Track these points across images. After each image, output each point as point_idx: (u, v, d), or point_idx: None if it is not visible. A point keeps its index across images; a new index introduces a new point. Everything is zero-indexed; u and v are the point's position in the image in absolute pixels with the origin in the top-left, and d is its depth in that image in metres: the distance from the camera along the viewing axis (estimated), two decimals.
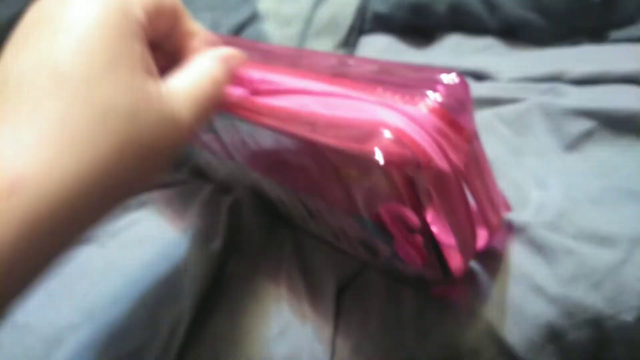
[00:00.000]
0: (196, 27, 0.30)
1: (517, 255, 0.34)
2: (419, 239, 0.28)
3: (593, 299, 0.32)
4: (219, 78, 0.27)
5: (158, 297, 0.37)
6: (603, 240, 0.33)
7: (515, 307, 0.32)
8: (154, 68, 0.24)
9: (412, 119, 0.24)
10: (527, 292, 0.32)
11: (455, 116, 0.25)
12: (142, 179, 0.23)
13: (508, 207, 0.34)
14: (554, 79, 0.47)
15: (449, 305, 0.34)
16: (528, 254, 0.33)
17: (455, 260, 0.30)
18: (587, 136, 0.40)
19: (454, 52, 0.58)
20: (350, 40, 0.63)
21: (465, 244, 0.30)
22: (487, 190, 0.30)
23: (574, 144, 0.41)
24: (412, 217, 0.27)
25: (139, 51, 0.23)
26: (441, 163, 0.25)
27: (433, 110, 0.24)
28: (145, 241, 0.40)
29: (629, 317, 0.31)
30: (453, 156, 0.25)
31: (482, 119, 0.42)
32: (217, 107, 0.28)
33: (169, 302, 0.36)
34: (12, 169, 0.19)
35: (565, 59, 0.50)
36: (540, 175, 0.38)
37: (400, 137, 0.24)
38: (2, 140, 0.20)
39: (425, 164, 0.24)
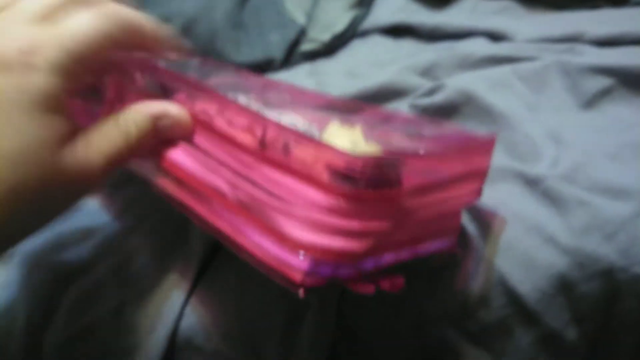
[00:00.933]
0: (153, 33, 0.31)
1: (530, 206, 0.34)
2: None
3: (606, 251, 0.31)
4: (133, 139, 0.28)
5: (166, 243, 0.37)
6: (618, 193, 0.33)
7: (527, 257, 0.32)
8: (68, 129, 0.25)
9: None
10: (540, 243, 0.32)
11: None
12: (37, 218, 0.25)
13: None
14: (572, 39, 0.47)
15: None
16: (541, 206, 0.33)
17: None
18: (605, 94, 0.40)
19: (471, 13, 0.57)
20: (365, 1, 0.62)
21: None
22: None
23: (591, 102, 0.40)
24: None
25: (54, 125, 0.24)
26: None
27: None
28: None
29: None
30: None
31: (498, 74, 0.41)
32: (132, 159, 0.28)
33: (177, 249, 0.36)
34: None
35: (584, 21, 0.50)
36: (555, 130, 0.38)
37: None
38: None
39: None
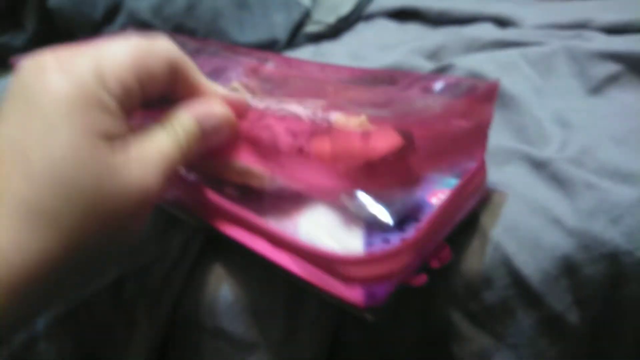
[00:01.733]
0: (204, 85, 0.29)
1: (536, 188, 0.33)
2: None
3: (611, 234, 0.31)
4: (183, 144, 0.27)
5: (168, 217, 0.36)
6: (625, 177, 0.33)
7: (532, 238, 0.32)
8: (122, 135, 0.24)
9: None
10: (545, 224, 0.32)
11: None
12: (111, 244, 0.24)
13: None
14: (580, 26, 0.46)
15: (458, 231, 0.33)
16: (548, 188, 0.33)
17: None
18: (612, 80, 0.40)
19: None
20: None
21: None
22: None
23: (598, 88, 0.40)
24: None
25: (106, 124, 0.24)
26: None
27: None
28: None
29: None
30: None
31: (507, 57, 0.41)
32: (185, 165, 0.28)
33: (178, 222, 0.36)
34: None
35: (592, 8, 0.49)
36: (562, 115, 0.38)
37: None
38: None
39: None
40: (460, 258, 0.33)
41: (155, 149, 0.25)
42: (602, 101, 0.39)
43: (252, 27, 0.59)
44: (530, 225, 0.32)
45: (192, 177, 0.33)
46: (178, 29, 0.60)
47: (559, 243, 0.32)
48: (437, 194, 0.32)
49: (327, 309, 0.34)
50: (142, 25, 0.60)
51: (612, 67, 0.40)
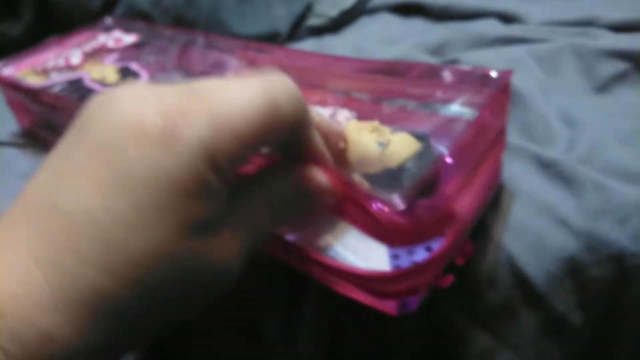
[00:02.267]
0: (318, 152, 0.24)
1: (543, 187, 0.33)
2: None
3: (618, 235, 0.31)
4: (279, 213, 0.23)
5: None
6: (632, 177, 0.32)
7: (537, 238, 0.32)
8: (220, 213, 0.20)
9: None
10: (551, 224, 0.32)
11: None
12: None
13: None
14: (587, 24, 0.46)
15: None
16: (554, 187, 0.33)
17: None
18: (619, 78, 0.39)
19: None
20: None
21: None
22: None
23: (604, 86, 0.39)
24: None
25: (207, 212, 0.19)
26: None
27: None
28: None
29: None
30: None
31: (513, 53, 0.40)
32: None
33: None
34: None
35: (598, 5, 0.49)
36: (569, 113, 0.37)
37: None
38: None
39: None
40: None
41: (250, 224, 0.22)
42: (609, 100, 0.39)
43: (253, 19, 0.58)
44: (535, 225, 0.32)
45: None
46: (178, 20, 0.59)
47: (564, 244, 0.31)
48: None
49: (327, 307, 0.33)
50: (141, 16, 0.59)
51: (618, 66, 0.39)
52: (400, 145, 0.30)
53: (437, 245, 0.28)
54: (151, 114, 0.18)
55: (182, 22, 0.59)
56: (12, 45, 0.59)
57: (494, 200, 0.33)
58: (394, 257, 0.29)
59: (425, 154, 0.29)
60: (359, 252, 0.28)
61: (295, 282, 0.32)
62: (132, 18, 0.59)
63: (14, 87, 0.41)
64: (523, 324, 0.33)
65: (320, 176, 0.24)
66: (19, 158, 0.41)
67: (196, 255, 0.19)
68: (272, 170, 0.24)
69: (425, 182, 0.27)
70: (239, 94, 0.20)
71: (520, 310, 0.32)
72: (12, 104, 0.45)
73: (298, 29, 0.58)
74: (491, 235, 0.32)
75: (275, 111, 0.20)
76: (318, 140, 0.24)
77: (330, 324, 0.33)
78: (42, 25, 0.62)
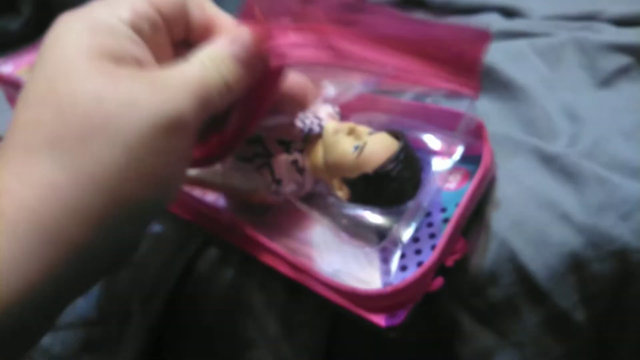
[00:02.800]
0: (218, 18, 0.27)
1: (545, 182, 0.33)
2: None
3: (621, 231, 0.31)
4: (218, 77, 0.24)
5: (166, 213, 0.36)
6: (635, 172, 0.32)
7: (540, 234, 0.31)
8: (143, 62, 0.23)
9: None
10: (553, 220, 0.31)
11: None
12: (148, 190, 0.22)
13: None
14: (590, 18, 0.45)
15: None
16: (557, 182, 0.32)
17: None
18: (622, 73, 0.39)
19: None
20: None
21: None
22: None
23: (607, 80, 0.39)
24: None
25: (114, 46, 0.22)
26: None
27: None
28: None
29: None
30: None
31: (515, 47, 0.40)
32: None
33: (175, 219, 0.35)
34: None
35: (601, 0, 0.48)
36: (571, 108, 0.37)
37: None
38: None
39: None
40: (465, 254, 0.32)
41: (184, 74, 0.23)
42: (612, 94, 0.38)
43: None
44: (537, 221, 0.31)
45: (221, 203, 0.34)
46: None
47: (566, 239, 0.31)
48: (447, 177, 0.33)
49: (325, 309, 0.33)
50: None
51: (621, 60, 0.39)
52: (376, 147, 0.30)
53: (428, 257, 0.28)
54: (70, 14, 0.23)
55: None
56: (11, 39, 0.59)
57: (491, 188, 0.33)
58: (385, 273, 0.30)
59: (402, 153, 0.30)
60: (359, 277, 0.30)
61: (292, 284, 0.31)
62: None
63: (13, 85, 0.41)
64: (526, 320, 0.32)
65: (244, 34, 0.25)
66: None
67: (110, 76, 0.21)
68: (201, 49, 0.24)
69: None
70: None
71: (522, 307, 0.32)
72: (11, 100, 0.45)
73: None
74: (489, 227, 0.32)
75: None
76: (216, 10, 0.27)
77: (328, 321, 0.33)
78: (41, 20, 0.61)
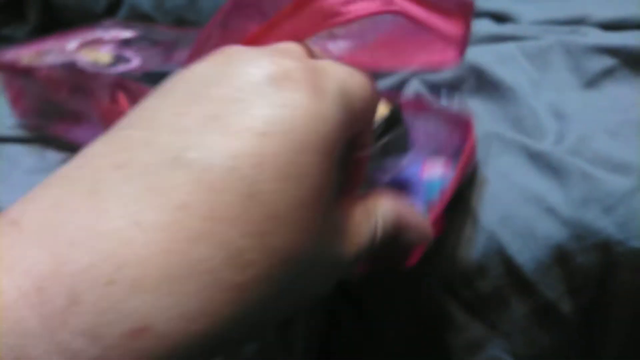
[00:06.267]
0: None
1: (531, 177, 0.34)
2: None
3: (604, 223, 0.32)
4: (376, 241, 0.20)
5: None
6: (618, 167, 0.33)
7: (526, 227, 0.33)
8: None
9: None
10: (539, 214, 0.33)
11: None
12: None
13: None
14: (577, 22, 0.47)
15: (453, 220, 0.34)
16: (542, 177, 0.34)
17: None
18: (607, 74, 0.40)
19: None
20: None
21: None
22: None
23: (593, 82, 0.40)
24: None
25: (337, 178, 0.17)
26: None
27: None
28: None
29: (638, 243, 0.31)
30: None
31: (504, 49, 0.41)
32: None
33: None
34: None
35: (589, 5, 0.50)
36: (558, 108, 0.38)
37: None
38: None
39: None
40: (454, 246, 0.33)
41: (356, 227, 0.19)
42: (597, 94, 0.40)
43: None
44: (524, 215, 0.33)
45: None
46: (179, 22, 0.60)
47: (552, 232, 0.32)
48: (429, 166, 0.33)
49: (321, 299, 0.34)
50: (143, 18, 0.61)
51: (607, 61, 0.40)
52: None
53: None
54: (291, 64, 0.17)
55: (183, 24, 0.61)
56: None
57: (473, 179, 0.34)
58: None
59: (392, 119, 0.31)
60: None
61: None
62: (135, 20, 0.60)
63: (10, 68, 0.42)
64: (514, 311, 0.33)
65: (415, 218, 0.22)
66: (24, 154, 0.42)
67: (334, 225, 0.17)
68: (377, 195, 0.21)
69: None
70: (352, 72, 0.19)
71: (510, 298, 0.33)
72: (9, 88, 0.45)
73: None
74: (477, 221, 0.33)
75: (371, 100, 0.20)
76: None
77: (325, 312, 0.34)
78: (47, 28, 0.63)
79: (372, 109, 0.20)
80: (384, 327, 0.36)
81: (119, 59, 0.42)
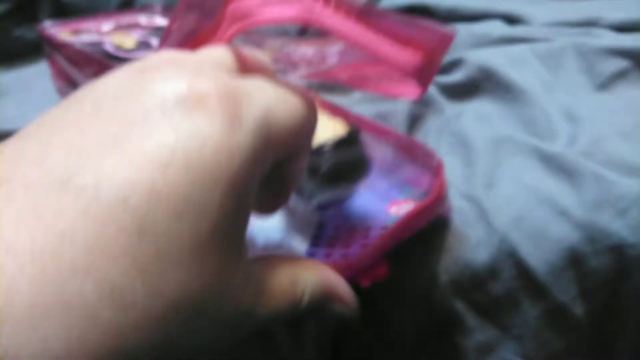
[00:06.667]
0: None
1: (544, 179, 0.34)
2: None
3: (617, 226, 0.32)
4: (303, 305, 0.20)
5: None
6: (631, 169, 0.33)
7: (539, 230, 0.32)
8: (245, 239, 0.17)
9: None
10: (552, 216, 0.32)
11: None
12: None
13: None
14: (590, 24, 0.47)
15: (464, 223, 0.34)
16: (555, 179, 0.33)
17: None
18: (620, 76, 0.40)
19: None
20: None
21: None
22: None
23: (606, 84, 0.40)
24: None
25: (246, 220, 0.17)
26: None
27: None
28: None
29: None
30: None
31: (516, 51, 0.41)
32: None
33: None
34: None
35: (601, 7, 0.50)
36: (570, 110, 0.38)
37: None
38: None
39: None
40: (465, 248, 0.33)
41: (277, 290, 0.18)
42: (610, 97, 0.39)
43: None
44: (536, 217, 0.33)
45: None
46: None
47: (565, 235, 0.32)
48: (398, 204, 0.32)
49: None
50: None
51: (620, 63, 0.40)
52: (323, 126, 0.30)
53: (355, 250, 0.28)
54: (210, 87, 0.16)
55: None
56: (28, 49, 0.61)
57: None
58: (310, 254, 0.29)
59: (345, 141, 0.30)
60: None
61: None
62: None
63: (48, 41, 0.43)
64: (526, 314, 0.33)
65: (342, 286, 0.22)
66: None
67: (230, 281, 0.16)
68: (307, 262, 0.21)
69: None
70: (285, 93, 0.18)
71: (522, 301, 0.33)
72: (51, 62, 0.46)
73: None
74: (491, 223, 0.33)
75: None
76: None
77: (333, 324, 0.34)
78: None
79: (306, 134, 0.20)
80: (395, 329, 0.36)
81: (142, 45, 0.43)
